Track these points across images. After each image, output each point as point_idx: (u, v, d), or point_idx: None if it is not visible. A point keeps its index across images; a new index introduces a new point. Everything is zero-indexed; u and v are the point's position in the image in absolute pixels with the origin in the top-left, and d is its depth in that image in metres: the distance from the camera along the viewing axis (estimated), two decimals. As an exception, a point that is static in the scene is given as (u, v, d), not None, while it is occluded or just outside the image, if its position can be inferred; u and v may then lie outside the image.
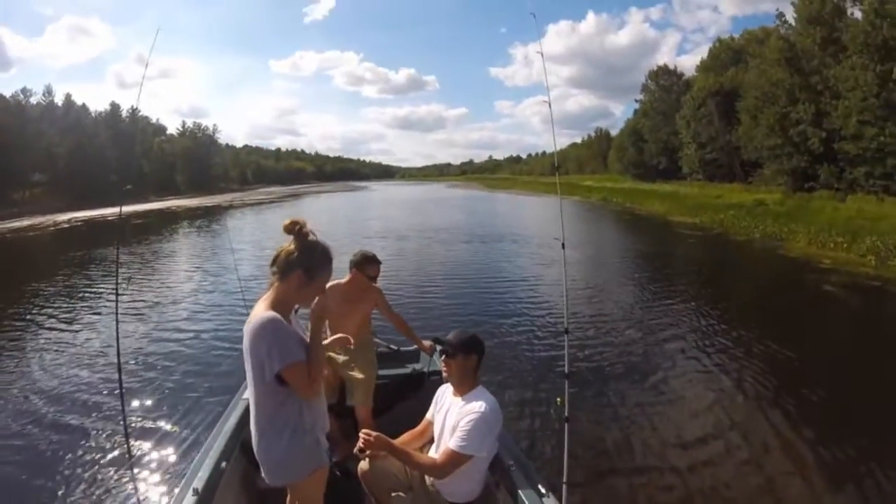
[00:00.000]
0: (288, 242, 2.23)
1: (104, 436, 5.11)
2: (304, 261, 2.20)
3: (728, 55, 46.45)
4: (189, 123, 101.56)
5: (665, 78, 58.05)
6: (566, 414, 2.96)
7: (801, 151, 28.83)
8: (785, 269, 14.99)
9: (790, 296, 11.72)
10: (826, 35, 26.77)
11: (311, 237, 2.22)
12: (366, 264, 3.87)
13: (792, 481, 4.32)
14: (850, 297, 11.14)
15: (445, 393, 2.91)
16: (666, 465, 4.59)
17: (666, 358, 7.23)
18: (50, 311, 10.57)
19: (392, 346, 4.55)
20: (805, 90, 28.04)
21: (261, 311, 2.16)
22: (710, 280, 13.62)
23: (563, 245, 3.44)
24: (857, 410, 5.60)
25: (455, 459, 2.60)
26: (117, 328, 3.31)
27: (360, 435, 2.66)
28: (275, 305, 2.19)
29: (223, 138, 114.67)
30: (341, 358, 3.87)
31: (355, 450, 2.69)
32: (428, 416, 3.00)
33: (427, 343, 3.98)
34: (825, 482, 4.30)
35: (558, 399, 3.08)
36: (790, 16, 30.95)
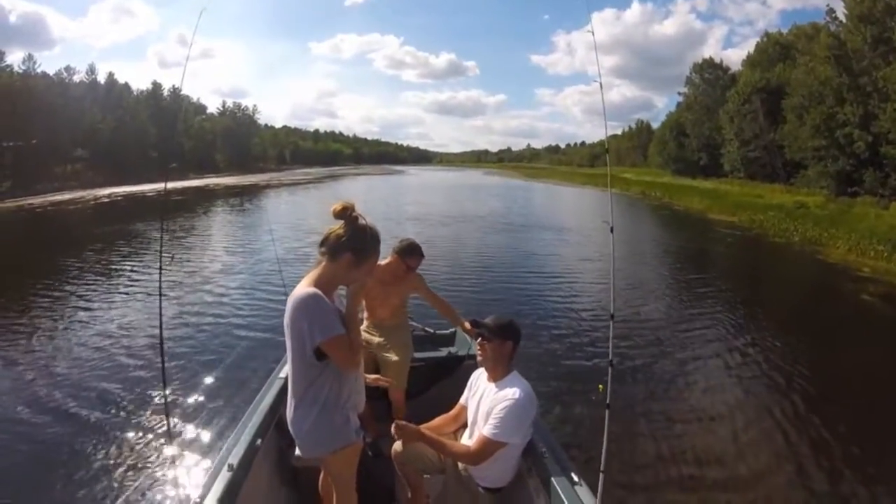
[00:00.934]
0: (338, 225, 2.27)
1: (145, 410, 5.29)
2: (353, 243, 2.24)
3: (776, 50, 44.78)
4: (229, 103, 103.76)
5: (710, 71, 56.49)
6: (608, 401, 2.85)
7: (846, 154, 27.96)
8: (823, 275, 14.82)
9: (827, 303, 11.70)
10: (877, 34, 25.78)
11: (360, 221, 2.27)
12: (409, 254, 3.78)
13: (826, 480, 4.39)
14: (889, 308, 11.05)
15: (480, 378, 2.90)
16: (705, 461, 4.63)
17: (705, 353, 7.36)
18: (91, 284, 10.95)
19: (428, 329, 4.53)
20: (853, 91, 27.08)
21: (303, 287, 2.21)
22: (747, 281, 13.69)
23: (611, 229, 3.29)
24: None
25: (488, 446, 2.60)
26: (160, 303, 3.20)
27: (393, 426, 2.71)
28: (319, 283, 2.22)
29: (262, 119, 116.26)
30: (376, 339, 3.83)
31: (392, 432, 2.71)
32: (462, 400, 3.01)
33: (468, 324, 3.76)
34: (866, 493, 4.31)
35: (600, 386, 2.91)
36: (840, 12, 29.90)
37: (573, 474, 2.59)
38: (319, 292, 2.18)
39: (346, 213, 2.25)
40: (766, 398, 6.01)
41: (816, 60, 30.61)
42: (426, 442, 2.73)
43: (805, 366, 6.95)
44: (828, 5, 31.22)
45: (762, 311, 9.85)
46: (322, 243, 2.29)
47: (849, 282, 13.55)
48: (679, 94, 62.44)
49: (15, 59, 63.76)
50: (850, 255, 16.76)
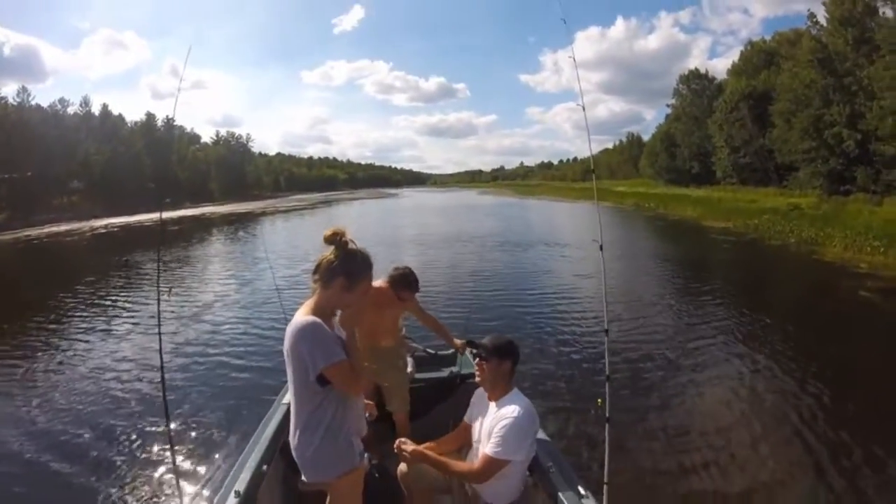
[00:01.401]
0: (329, 252, 2.31)
1: (148, 438, 5.21)
2: (345, 267, 2.27)
3: (760, 58, 45.60)
4: (223, 132, 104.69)
5: (696, 82, 57.41)
6: (607, 415, 2.93)
7: (836, 154, 28.27)
8: (820, 274, 14.69)
9: (826, 301, 11.53)
10: (858, 35, 26.29)
11: (350, 245, 2.31)
12: (401, 287, 3.77)
13: (833, 490, 4.27)
14: (887, 303, 10.92)
15: (482, 397, 2.88)
16: (708, 469, 4.56)
17: (705, 362, 7.24)
18: (90, 314, 10.83)
19: (429, 350, 4.51)
20: (839, 91, 27.51)
21: (302, 315, 2.25)
22: (744, 285, 13.49)
23: (601, 247, 3.41)
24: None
25: (491, 465, 2.59)
26: (160, 334, 3.25)
27: (396, 445, 2.73)
28: (316, 311, 2.26)
29: (256, 147, 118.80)
30: (374, 363, 3.76)
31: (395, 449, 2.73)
32: (465, 419, 2.99)
33: (459, 342, 3.89)
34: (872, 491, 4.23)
35: (598, 400, 3.01)
36: (821, 16, 30.46)
37: (580, 487, 2.60)
38: (318, 320, 2.22)
39: (336, 239, 2.29)
40: (770, 406, 5.87)
41: (800, 65, 31.15)
42: (429, 462, 2.72)
43: (808, 370, 6.80)
44: (808, 10, 31.93)
45: (761, 315, 9.63)
46: (315, 271, 2.32)
47: (847, 279, 13.41)
48: (667, 105, 63.48)
49: (9, 91, 64.39)
50: (846, 253, 16.71)
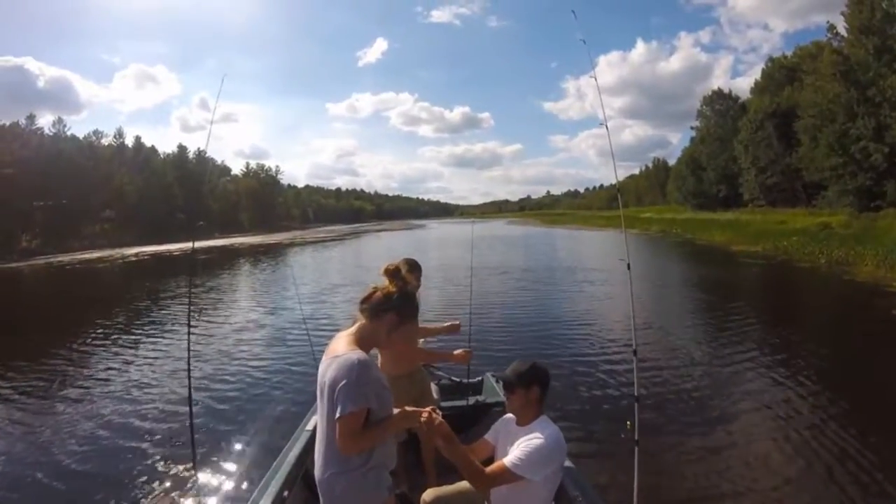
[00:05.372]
0: (384, 284, 2.29)
1: (172, 459, 5.24)
2: (400, 305, 2.26)
3: (782, 74, 44.70)
4: (253, 164, 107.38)
5: (720, 102, 56.62)
6: (636, 437, 2.90)
7: (864, 169, 27.16)
8: (852, 294, 14.17)
9: (857, 323, 10.96)
10: (879, 44, 25.45)
11: (409, 286, 2.32)
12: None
13: None
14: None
15: (509, 422, 2.77)
16: (738, 497, 4.39)
17: (736, 386, 6.98)
18: (121, 339, 10.92)
19: (454, 378, 4.55)
20: (863, 104, 26.53)
21: (348, 347, 2.19)
22: (774, 308, 13.04)
23: (628, 266, 3.41)
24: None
25: (504, 475, 2.46)
26: (189, 357, 3.40)
27: (426, 413, 2.44)
28: (361, 343, 2.22)
29: (285, 179, 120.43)
30: (397, 395, 3.77)
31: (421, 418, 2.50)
32: (488, 437, 2.85)
33: (459, 352, 3.73)
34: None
35: (628, 423, 2.95)
36: (841, 26, 29.74)
37: None
38: (369, 360, 2.17)
39: (398, 274, 2.30)
40: (803, 430, 5.53)
41: (823, 79, 30.20)
42: (448, 444, 2.47)
43: (842, 395, 6.44)
44: (828, 21, 31.14)
45: (792, 339, 9.34)
46: (364, 300, 2.29)
47: (880, 298, 12.88)
48: (692, 128, 62.68)
49: (44, 122, 68.59)
50: (878, 272, 16.22)
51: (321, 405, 2.22)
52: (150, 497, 4.61)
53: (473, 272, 6.69)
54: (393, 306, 2.26)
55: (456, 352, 3.76)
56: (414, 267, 3.83)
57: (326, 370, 2.18)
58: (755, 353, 8.40)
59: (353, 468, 2.20)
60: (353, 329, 2.28)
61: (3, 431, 6.22)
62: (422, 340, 3.94)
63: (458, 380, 4.56)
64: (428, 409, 2.44)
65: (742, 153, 45.41)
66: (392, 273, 2.29)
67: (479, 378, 4.57)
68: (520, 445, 2.52)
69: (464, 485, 2.81)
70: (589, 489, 2.80)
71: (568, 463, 2.80)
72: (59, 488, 4.91)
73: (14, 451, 5.70)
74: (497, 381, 4.36)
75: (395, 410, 2.33)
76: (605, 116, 3.80)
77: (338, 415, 2.08)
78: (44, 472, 5.19)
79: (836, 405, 6.14)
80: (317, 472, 2.28)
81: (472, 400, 4.35)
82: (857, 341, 9.29)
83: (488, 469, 2.51)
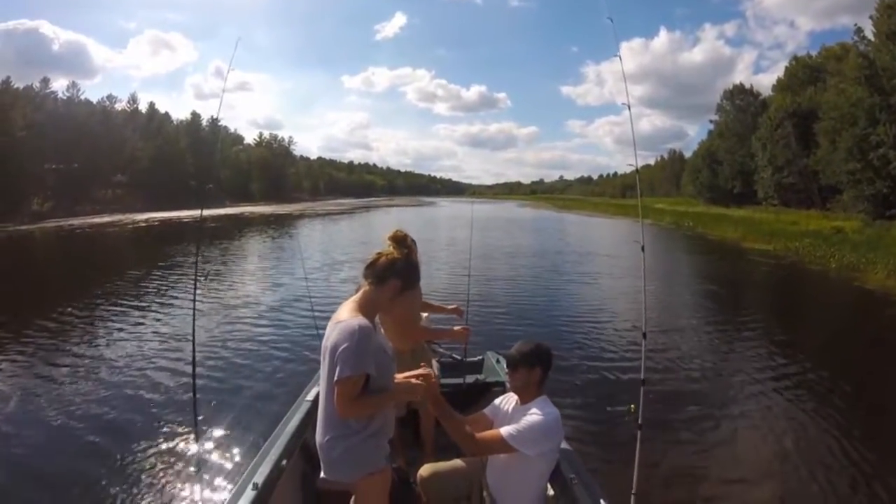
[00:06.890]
0: (388, 250, 2.31)
1: (174, 427, 5.33)
2: (404, 272, 2.29)
3: (806, 73, 43.95)
4: (266, 135, 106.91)
5: (741, 97, 55.81)
6: (640, 421, 2.86)
7: (881, 176, 26.90)
8: (861, 301, 14.09)
9: (865, 330, 10.96)
10: (908, 51, 25.23)
11: (413, 254, 2.38)
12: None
13: None
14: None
15: (509, 400, 2.82)
16: (741, 487, 4.49)
17: (741, 380, 7.12)
18: (126, 304, 11.08)
19: (456, 356, 4.54)
20: (885, 111, 26.20)
21: (351, 314, 2.22)
22: (782, 308, 13.15)
23: (642, 248, 3.32)
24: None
25: (497, 443, 2.51)
26: (193, 326, 3.36)
27: (419, 372, 2.51)
28: (364, 310, 2.25)
29: (298, 150, 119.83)
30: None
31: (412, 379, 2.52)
32: (485, 411, 2.90)
33: (458, 328, 3.78)
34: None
35: (632, 406, 2.90)
36: (869, 30, 29.18)
37: (602, 500, 2.54)
38: (370, 326, 2.19)
39: (404, 242, 2.37)
40: (807, 424, 5.71)
41: (847, 82, 29.80)
42: (438, 407, 2.59)
43: (845, 392, 6.62)
44: (855, 24, 30.59)
45: (798, 337, 9.54)
46: (368, 266, 2.32)
47: (889, 307, 12.80)
48: (710, 121, 61.84)
49: (58, 85, 68.83)
50: (889, 281, 15.87)
51: (323, 369, 2.26)
52: (149, 463, 4.69)
53: (483, 254, 6.62)
54: (396, 272, 2.28)
55: (455, 327, 3.79)
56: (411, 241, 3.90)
57: (330, 335, 2.22)
58: (762, 350, 8.54)
59: (352, 433, 2.24)
60: (357, 296, 2.31)
61: (5, 394, 6.29)
62: (425, 316, 3.93)
63: (459, 358, 4.53)
64: (426, 370, 2.53)
65: (759, 150, 44.99)
66: (399, 240, 2.34)
67: (480, 357, 4.52)
68: (518, 420, 2.57)
69: (460, 461, 2.89)
70: (584, 471, 2.78)
71: (565, 445, 2.82)
72: (58, 450, 5.00)
73: (14, 413, 5.79)
74: (498, 361, 4.37)
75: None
76: (628, 100, 3.61)
77: (336, 378, 2.12)
78: (44, 436, 5.29)
79: (843, 404, 6.23)
80: (318, 435, 2.34)
81: (472, 378, 4.34)
82: (864, 348, 9.26)
83: (482, 434, 2.56)
